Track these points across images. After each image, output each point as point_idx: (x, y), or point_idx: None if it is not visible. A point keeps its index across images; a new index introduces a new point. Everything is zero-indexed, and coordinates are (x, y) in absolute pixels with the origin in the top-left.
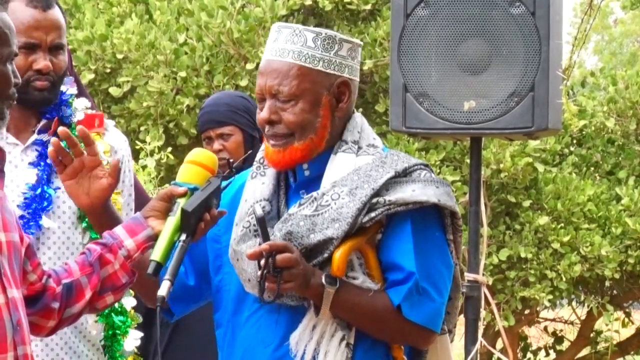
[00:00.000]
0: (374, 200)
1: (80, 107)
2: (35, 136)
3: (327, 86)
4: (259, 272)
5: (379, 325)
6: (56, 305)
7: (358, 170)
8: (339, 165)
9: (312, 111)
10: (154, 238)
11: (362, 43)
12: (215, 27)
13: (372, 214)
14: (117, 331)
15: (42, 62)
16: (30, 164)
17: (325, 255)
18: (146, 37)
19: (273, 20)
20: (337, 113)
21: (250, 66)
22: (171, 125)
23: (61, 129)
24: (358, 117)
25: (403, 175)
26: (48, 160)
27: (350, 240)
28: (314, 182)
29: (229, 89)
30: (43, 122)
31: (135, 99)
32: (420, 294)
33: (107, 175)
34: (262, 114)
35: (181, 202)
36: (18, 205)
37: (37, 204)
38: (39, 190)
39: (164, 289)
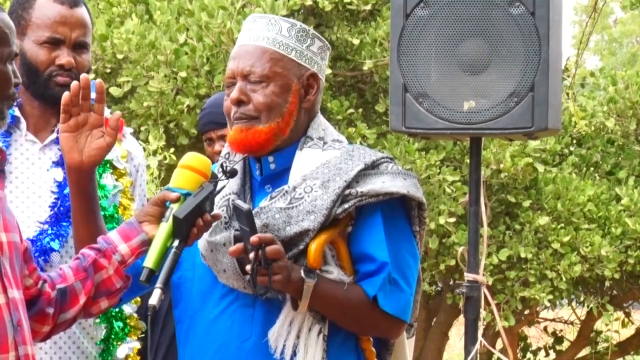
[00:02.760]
0: (347, 192)
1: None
2: (54, 135)
3: (297, 75)
4: (249, 266)
5: (354, 316)
6: (51, 310)
7: (327, 163)
8: (306, 160)
9: (282, 95)
10: (148, 243)
11: (330, 47)
12: (215, 27)
13: (345, 205)
14: (113, 336)
15: (65, 57)
16: (54, 163)
17: (301, 247)
18: (146, 37)
19: None
20: (305, 104)
21: None
22: (171, 125)
23: (84, 76)
24: (322, 117)
25: (371, 168)
26: None
27: (324, 233)
28: (279, 177)
29: None
30: None
31: (135, 99)
32: (392, 285)
33: (106, 135)
34: (232, 94)
35: (174, 208)
36: (49, 206)
37: (67, 203)
38: (66, 190)
39: (155, 298)
